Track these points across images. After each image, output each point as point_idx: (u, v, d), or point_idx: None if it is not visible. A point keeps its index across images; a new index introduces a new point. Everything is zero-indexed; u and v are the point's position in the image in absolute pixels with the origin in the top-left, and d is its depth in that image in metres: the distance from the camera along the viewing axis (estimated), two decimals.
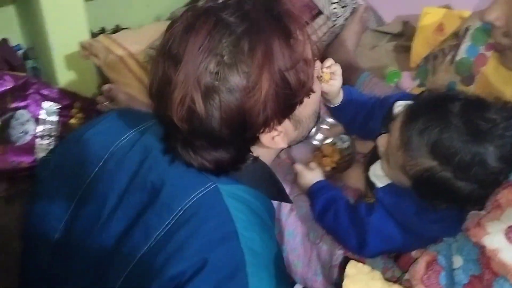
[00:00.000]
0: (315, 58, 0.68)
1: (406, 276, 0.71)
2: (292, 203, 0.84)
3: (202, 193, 0.64)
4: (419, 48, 1.33)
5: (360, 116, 0.91)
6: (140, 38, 1.31)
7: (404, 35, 1.44)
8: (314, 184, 0.88)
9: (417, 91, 1.21)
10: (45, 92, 1.25)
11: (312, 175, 0.90)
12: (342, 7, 1.41)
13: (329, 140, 1.07)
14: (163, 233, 0.62)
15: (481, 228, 0.60)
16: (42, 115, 1.23)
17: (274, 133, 0.65)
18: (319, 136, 1.08)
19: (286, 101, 0.62)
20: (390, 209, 0.75)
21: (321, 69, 0.84)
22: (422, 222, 0.72)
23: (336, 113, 0.94)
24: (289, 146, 0.74)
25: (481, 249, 0.59)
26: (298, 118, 0.69)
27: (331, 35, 1.37)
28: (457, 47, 1.13)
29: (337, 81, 0.86)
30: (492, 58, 1.06)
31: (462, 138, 0.64)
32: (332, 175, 0.99)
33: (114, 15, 1.60)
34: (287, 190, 0.93)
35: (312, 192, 0.87)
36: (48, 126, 1.24)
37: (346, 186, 0.97)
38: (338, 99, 0.91)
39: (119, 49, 1.25)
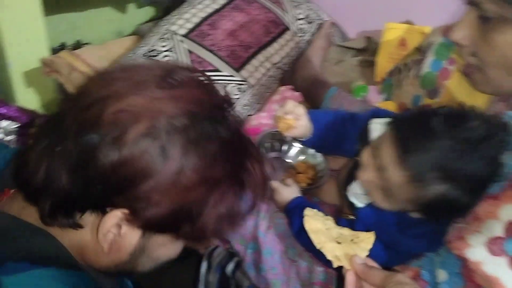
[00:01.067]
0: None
1: None
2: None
3: None
4: (384, 63, 1.37)
5: (330, 138, 0.90)
6: (105, 54, 1.27)
7: (368, 50, 1.48)
8: (292, 200, 0.87)
9: (383, 104, 1.25)
10: (2, 110, 1.18)
11: (288, 192, 0.89)
12: (309, 23, 1.43)
13: (301, 158, 1.07)
14: None
15: (463, 241, 0.61)
16: (0, 134, 1.17)
17: (114, 229, 0.52)
18: (292, 153, 1.08)
19: (173, 222, 0.52)
20: (372, 228, 0.75)
21: (282, 116, 0.82)
22: (406, 239, 0.73)
23: (306, 142, 0.92)
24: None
25: (464, 261, 0.60)
26: (145, 247, 0.55)
27: (298, 50, 1.39)
28: (420, 61, 1.18)
29: (303, 121, 0.85)
30: (455, 72, 1.11)
31: (464, 154, 0.65)
32: (307, 192, 0.99)
33: (75, 30, 1.55)
34: (263, 207, 0.92)
35: (290, 209, 0.86)
36: None
37: (322, 202, 0.97)
38: (307, 133, 0.89)
39: (83, 65, 1.21)
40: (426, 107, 0.77)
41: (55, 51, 1.35)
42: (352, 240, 0.66)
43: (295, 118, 0.85)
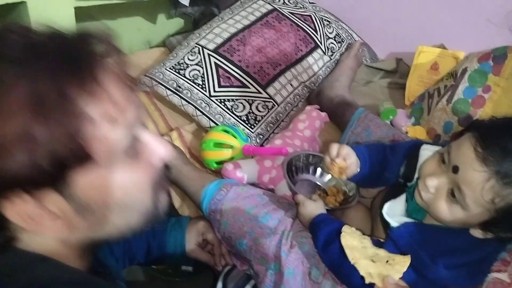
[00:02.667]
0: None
1: None
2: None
3: None
4: (414, 86, 1.34)
5: (374, 171, 0.88)
6: (132, 65, 1.28)
7: (397, 72, 1.45)
8: (317, 216, 0.85)
9: (411, 129, 1.21)
10: None
11: (314, 206, 0.87)
12: (338, 42, 1.41)
13: (333, 182, 1.04)
14: None
15: None
16: None
17: (40, 212, 0.46)
18: (325, 179, 1.06)
19: (43, 160, 0.44)
20: (404, 250, 0.72)
21: (332, 161, 0.82)
22: (437, 267, 0.69)
23: (354, 178, 0.91)
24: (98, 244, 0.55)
25: None
26: (84, 202, 0.48)
27: (326, 69, 1.37)
28: (454, 87, 1.14)
29: (352, 159, 0.84)
30: (490, 100, 1.07)
31: None
32: (334, 212, 0.96)
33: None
34: (288, 226, 0.90)
35: (315, 224, 0.84)
36: None
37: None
38: (357, 169, 0.88)
39: None
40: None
41: None
42: (387, 261, 0.64)
43: (345, 159, 0.84)
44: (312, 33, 1.35)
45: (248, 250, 0.94)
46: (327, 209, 0.94)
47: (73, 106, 0.45)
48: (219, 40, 1.23)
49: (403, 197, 0.82)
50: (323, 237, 0.80)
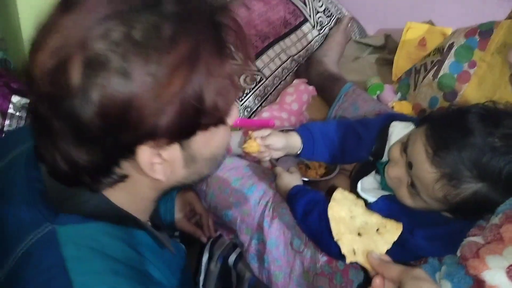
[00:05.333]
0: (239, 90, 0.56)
1: None
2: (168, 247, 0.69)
3: (34, 239, 0.52)
4: (402, 62, 1.34)
5: (347, 148, 0.88)
6: None
7: (386, 48, 1.45)
8: (293, 187, 0.86)
9: (398, 104, 1.22)
10: (14, 85, 1.18)
11: (291, 178, 0.88)
12: (328, 16, 1.40)
13: None
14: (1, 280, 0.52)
15: (480, 261, 0.59)
16: (10, 109, 1.16)
17: (156, 158, 0.51)
18: None
19: (190, 117, 0.48)
20: None
21: (251, 136, 0.82)
22: (414, 239, 0.71)
23: (307, 157, 0.91)
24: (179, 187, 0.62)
25: (479, 282, 0.58)
26: (193, 154, 0.54)
27: (315, 44, 1.37)
28: (440, 62, 1.15)
29: (278, 145, 0.84)
30: (475, 75, 1.08)
31: (500, 152, 0.64)
32: (316, 184, 0.98)
33: None
34: (270, 197, 0.91)
35: (292, 195, 0.85)
36: (16, 121, 1.17)
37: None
38: (295, 149, 0.88)
39: None
40: (459, 105, 0.74)
41: None
42: (378, 230, 0.64)
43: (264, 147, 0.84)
44: (301, 6, 1.34)
45: (234, 220, 0.95)
46: (309, 181, 0.96)
47: (226, 69, 0.49)
48: None
49: (373, 172, 0.84)
50: (301, 208, 0.82)
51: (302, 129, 0.89)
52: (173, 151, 0.51)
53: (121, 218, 0.56)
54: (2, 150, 0.64)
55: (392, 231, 0.64)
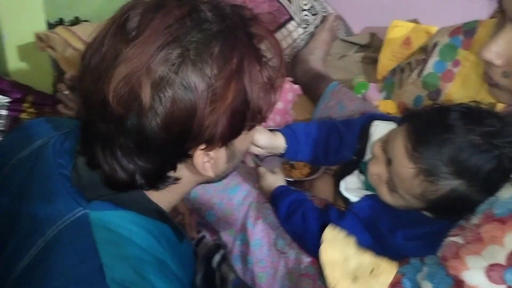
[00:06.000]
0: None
1: None
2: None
3: (66, 222, 0.55)
4: (386, 61, 1.34)
5: (329, 149, 0.88)
6: None
7: (371, 46, 1.45)
8: (276, 188, 0.85)
9: (383, 103, 1.23)
10: None
11: (274, 179, 0.88)
12: (313, 14, 1.40)
13: None
14: (26, 263, 0.55)
15: (460, 261, 0.59)
16: None
17: (206, 157, 0.57)
18: None
19: (239, 122, 0.55)
20: (364, 222, 0.74)
21: None
22: (395, 239, 0.71)
23: (291, 157, 0.90)
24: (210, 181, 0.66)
25: (459, 282, 0.58)
26: (234, 150, 0.61)
27: (301, 42, 1.36)
28: (424, 61, 1.15)
29: (260, 142, 0.83)
30: (459, 74, 1.08)
31: (479, 150, 0.63)
32: (300, 184, 0.97)
33: (74, 6, 1.52)
34: (254, 198, 0.91)
35: (275, 196, 0.85)
36: None
37: (313, 195, 0.96)
38: (278, 149, 0.86)
39: (79, 43, 1.18)
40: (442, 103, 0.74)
41: (52, 26, 1.32)
42: (372, 271, 0.63)
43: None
44: (286, 4, 1.34)
45: (217, 221, 0.95)
46: (293, 181, 0.95)
47: (264, 75, 0.55)
48: None
49: (357, 172, 0.84)
50: (284, 209, 0.81)
51: (287, 130, 0.88)
52: (220, 152, 0.58)
53: (150, 211, 0.61)
54: (22, 141, 0.67)
55: (387, 270, 0.64)
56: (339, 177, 0.85)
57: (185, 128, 0.52)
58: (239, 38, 0.53)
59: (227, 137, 0.56)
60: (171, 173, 0.58)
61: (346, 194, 0.80)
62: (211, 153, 0.57)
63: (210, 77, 0.50)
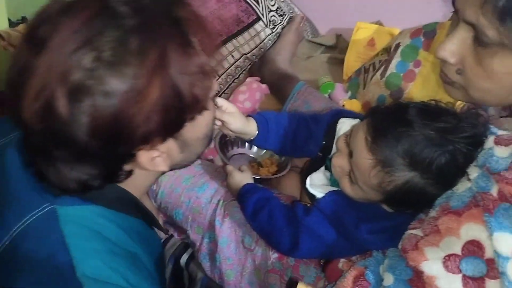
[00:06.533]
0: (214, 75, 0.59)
1: None
2: (166, 233, 0.75)
3: (33, 217, 0.55)
4: (352, 62, 1.37)
5: (296, 140, 0.89)
6: None
7: (337, 47, 1.48)
8: (244, 186, 0.86)
9: (348, 103, 1.25)
10: None
11: (242, 177, 0.88)
12: (280, 15, 1.41)
13: (263, 152, 1.06)
14: None
15: (419, 253, 0.61)
16: None
17: (155, 153, 0.56)
18: (254, 148, 1.07)
19: (175, 116, 0.53)
20: (330, 217, 0.76)
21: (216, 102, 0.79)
22: (359, 232, 0.73)
23: (260, 144, 0.90)
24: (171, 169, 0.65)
25: (418, 273, 0.60)
26: (186, 140, 0.59)
27: (268, 42, 1.37)
28: (387, 62, 1.18)
29: (232, 126, 0.82)
30: (419, 74, 1.12)
31: (434, 143, 0.66)
32: (267, 182, 0.98)
33: (36, 5, 1.48)
34: (222, 196, 0.91)
35: (243, 193, 0.85)
36: None
37: (280, 193, 0.97)
38: (249, 135, 0.87)
39: None
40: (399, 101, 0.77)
41: (14, 24, 1.29)
42: None
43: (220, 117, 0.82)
44: (254, 4, 1.35)
45: (184, 219, 0.94)
46: (260, 179, 0.96)
47: (195, 62, 0.52)
48: None
49: (323, 169, 0.86)
50: (251, 206, 0.82)
51: (259, 117, 0.89)
52: (168, 143, 0.57)
53: (120, 203, 0.61)
54: None
55: None
56: (305, 173, 0.86)
57: (114, 132, 0.50)
58: (160, 28, 0.50)
59: (167, 132, 0.54)
60: (121, 172, 0.57)
61: (311, 190, 0.82)
62: (161, 148, 0.55)
63: (131, 77, 0.48)
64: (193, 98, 0.53)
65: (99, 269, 0.54)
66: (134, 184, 0.62)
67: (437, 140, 0.65)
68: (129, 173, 0.58)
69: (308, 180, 0.83)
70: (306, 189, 0.83)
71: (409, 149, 0.66)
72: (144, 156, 0.55)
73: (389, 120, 0.69)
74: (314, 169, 0.86)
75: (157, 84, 0.49)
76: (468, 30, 0.61)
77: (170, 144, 0.57)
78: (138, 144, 0.53)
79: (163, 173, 0.66)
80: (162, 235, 1.00)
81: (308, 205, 0.82)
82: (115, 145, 0.51)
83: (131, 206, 0.63)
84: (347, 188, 0.75)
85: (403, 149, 0.66)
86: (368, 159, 0.69)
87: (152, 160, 0.56)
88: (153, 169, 0.57)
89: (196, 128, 0.59)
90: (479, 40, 0.60)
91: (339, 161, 0.76)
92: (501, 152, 0.57)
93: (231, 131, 0.84)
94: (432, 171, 0.66)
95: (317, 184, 0.82)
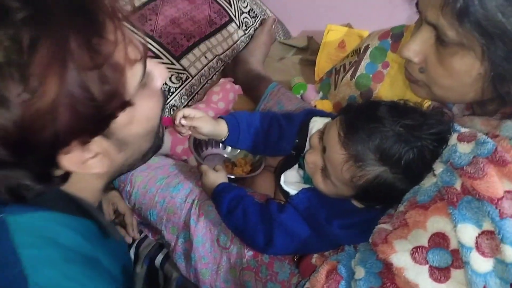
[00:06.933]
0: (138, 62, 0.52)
1: (307, 284, 0.72)
2: (117, 236, 0.70)
3: None
4: (323, 63, 1.40)
5: (269, 139, 0.91)
6: None
7: (308, 49, 1.51)
8: (218, 185, 0.87)
9: (320, 103, 1.28)
10: None
11: (216, 176, 0.89)
12: (252, 17, 1.43)
13: (238, 151, 1.07)
14: None
15: (389, 246, 0.63)
16: None
17: (87, 154, 0.51)
18: (228, 148, 1.07)
19: (90, 114, 0.47)
20: (303, 214, 0.77)
21: (177, 121, 0.82)
22: (332, 228, 0.75)
23: (232, 144, 0.92)
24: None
25: (388, 265, 0.63)
26: (122, 138, 0.55)
27: (241, 44, 1.39)
28: (357, 63, 1.22)
29: (203, 130, 0.84)
30: (388, 75, 1.16)
31: (402, 140, 0.68)
32: (241, 181, 0.99)
33: None
34: (197, 195, 0.92)
35: (217, 192, 0.86)
36: None
37: (254, 191, 0.98)
38: (220, 136, 0.88)
39: None
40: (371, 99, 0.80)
41: None
42: None
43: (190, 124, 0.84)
44: (226, 6, 1.36)
45: (159, 220, 0.94)
46: (234, 178, 0.97)
47: (102, 54, 0.47)
48: (128, 7, 1.19)
49: (296, 166, 0.88)
50: (226, 205, 0.83)
51: (230, 118, 0.90)
52: (100, 143, 0.52)
53: (72, 207, 0.57)
54: None
55: None
56: (280, 171, 0.88)
57: (21, 140, 0.45)
58: (56, 18, 0.45)
59: (85, 132, 0.49)
60: (54, 178, 0.53)
61: (285, 187, 0.83)
62: (94, 148, 0.52)
63: (22, 77, 0.43)
64: (106, 94, 0.47)
65: (54, 279, 0.51)
66: (81, 188, 0.58)
67: (406, 137, 0.68)
68: (65, 177, 0.54)
69: (282, 177, 0.85)
70: (280, 186, 0.85)
71: (379, 144, 0.68)
72: (68, 160, 0.50)
73: (361, 116, 0.72)
74: (288, 167, 0.87)
75: (54, 81, 0.44)
76: (430, 30, 0.64)
77: (104, 144, 0.53)
78: (53, 148, 0.48)
79: (120, 174, 0.62)
80: (136, 236, 1.00)
81: (282, 202, 0.84)
82: (27, 152, 0.47)
83: (79, 208, 0.59)
84: (320, 183, 0.77)
85: (374, 145, 0.69)
86: (340, 154, 0.71)
87: (84, 163, 0.52)
88: (88, 172, 0.53)
89: (132, 126, 0.55)
90: (440, 40, 0.63)
91: (312, 157, 0.78)
92: (463, 148, 0.60)
93: (202, 134, 0.85)
94: (401, 166, 0.68)
95: (291, 182, 0.84)
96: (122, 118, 0.52)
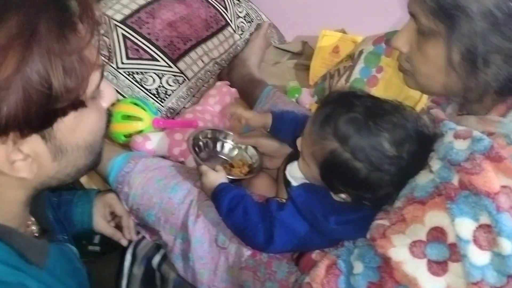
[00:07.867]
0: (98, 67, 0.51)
1: (307, 279, 0.73)
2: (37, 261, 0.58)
3: None
4: (317, 67, 1.42)
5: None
6: None
7: (303, 54, 1.53)
8: (219, 185, 0.88)
9: (314, 107, 1.29)
10: None
11: (216, 176, 0.90)
12: (248, 22, 1.45)
13: (235, 152, 1.08)
14: None
15: (387, 240, 0.65)
16: None
17: (16, 155, 0.47)
18: (226, 151, 1.08)
19: (41, 104, 0.45)
20: (301, 207, 0.78)
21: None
22: (329, 223, 0.76)
23: (275, 135, 0.98)
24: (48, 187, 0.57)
25: (386, 259, 0.64)
26: (60, 145, 0.50)
27: (237, 48, 1.40)
28: (351, 68, 1.24)
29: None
30: (382, 79, 1.18)
31: (360, 122, 0.72)
32: (239, 182, 1.00)
33: None
34: (195, 196, 0.92)
35: (218, 192, 0.86)
36: None
37: (252, 192, 0.99)
38: (267, 125, 0.96)
39: None
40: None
41: None
42: None
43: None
44: (222, 11, 1.37)
45: (157, 221, 0.95)
46: (233, 179, 0.98)
47: (72, 45, 0.45)
48: (127, 11, 1.20)
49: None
50: (226, 204, 0.83)
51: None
52: (35, 144, 0.48)
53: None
54: None
55: None
56: (288, 161, 0.90)
57: None
58: (29, 1, 0.44)
59: (28, 124, 0.45)
60: None
61: (289, 177, 0.85)
62: (25, 150, 0.47)
63: None
64: (64, 87, 0.45)
65: None
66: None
67: (362, 120, 0.72)
68: None
69: (288, 167, 0.87)
70: (284, 176, 0.86)
71: (336, 121, 0.73)
72: None
73: (335, 98, 0.78)
74: (295, 158, 0.89)
75: (14, 58, 0.42)
76: (413, 21, 0.69)
77: (39, 146, 0.49)
78: None
79: (46, 188, 0.56)
80: (134, 238, 1.00)
81: (283, 200, 0.85)
82: None
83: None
84: (300, 165, 0.83)
85: (333, 121, 0.73)
86: (308, 128, 0.78)
87: (12, 163, 0.47)
88: (12, 174, 0.48)
89: (73, 131, 0.51)
90: (419, 29, 0.68)
91: (299, 141, 0.83)
92: (460, 144, 0.61)
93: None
94: (349, 145, 0.72)
95: (295, 176, 0.85)
96: (68, 121, 0.49)
